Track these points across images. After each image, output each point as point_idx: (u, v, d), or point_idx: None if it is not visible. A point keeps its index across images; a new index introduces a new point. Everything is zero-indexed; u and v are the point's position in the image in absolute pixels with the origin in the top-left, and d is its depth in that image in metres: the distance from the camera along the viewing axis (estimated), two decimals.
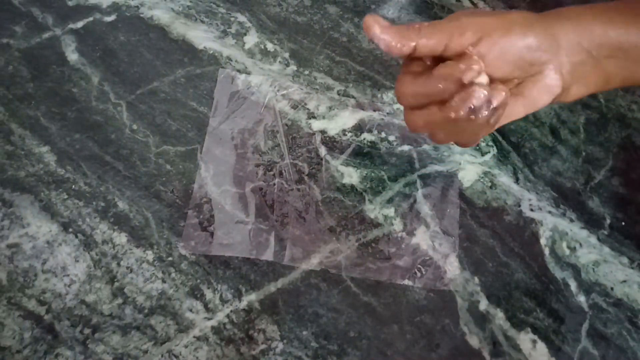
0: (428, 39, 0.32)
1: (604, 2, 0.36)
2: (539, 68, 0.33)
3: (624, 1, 0.36)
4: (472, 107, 0.31)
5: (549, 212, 0.52)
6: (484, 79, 0.32)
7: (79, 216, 0.49)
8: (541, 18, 0.34)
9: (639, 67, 0.35)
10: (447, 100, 0.32)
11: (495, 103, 0.31)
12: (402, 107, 0.55)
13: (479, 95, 0.31)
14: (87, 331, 0.45)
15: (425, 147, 0.54)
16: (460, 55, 0.32)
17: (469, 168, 0.53)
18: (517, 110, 0.35)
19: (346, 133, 0.54)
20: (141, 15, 0.58)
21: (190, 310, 0.46)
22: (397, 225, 0.50)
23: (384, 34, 0.32)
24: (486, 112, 0.32)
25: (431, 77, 0.32)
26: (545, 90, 0.34)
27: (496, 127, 0.35)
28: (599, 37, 0.34)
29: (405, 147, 0.54)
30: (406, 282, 0.48)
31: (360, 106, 0.55)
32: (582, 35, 0.34)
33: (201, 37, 0.58)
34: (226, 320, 0.46)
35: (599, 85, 0.36)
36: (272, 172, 0.52)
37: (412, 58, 0.34)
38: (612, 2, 0.36)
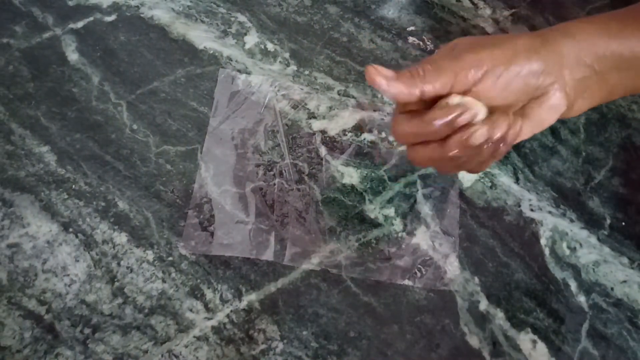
0: (433, 84, 0.32)
1: (604, 13, 0.35)
2: (544, 90, 0.33)
3: (623, 11, 0.35)
4: (473, 144, 0.31)
5: (549, 212, 0.52)
6: (481, 115, 0.32)
7: (79, 216, 0.49)
8: (544, 39, 0.34)
9: None
10: (446, 139, 0.32)
11: (495, 137, 0.32)
12: None
13: (477, 136, 0.31)
14: (87, 331, 0.45)
15: None
16: (465, 92, 0.32)
17: None
18: (523, 132, 0.34)
19: (346, 133, 0.54)
20: (141, 15, 0.58)
21: (191, 310, 0.46)
22: (397, 225, 0.50)
23: (390, 87, 0.32)
24: (487, 147, 0.32)
25: (425, 119, 0.32)
26: (551, 110, 0.34)
27: (505, 152, 0.35)
28: (601, 50, 0.33)
29: (406, 147, 0.54)
30: (406, 282, 0.48)
31: (360, 106, 0.55)
32: (584, 50, 0.33)
33: (201, 37, 0.58)
34: (226, 320, 0.46)
35: (602, 98, 0.36)
36: (272, 172, 0.52)
37: None
38: (612, 12, 0.36)
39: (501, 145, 0.33)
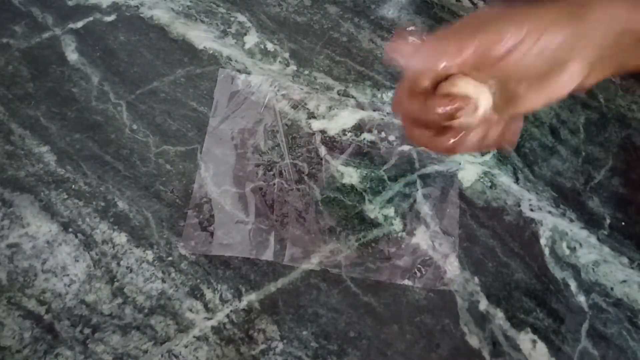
0: (455, 60, 0.32)
1: None
2: (565, 60, 0.33)
3: None
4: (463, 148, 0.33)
5: (549, 212, 0.52)
6: (483, 106, 0.32)
7: (79, 216, 0.49)
8: (576, 7, 0.33)
9: None
10: (442, 130, 0.33)
11: (487, 143, 0.34)
12: None
13: (471, 140, 0.33)
14: (87, 331, 0.45)
15: None
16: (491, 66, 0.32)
17: (469, 168, 0.53)
18: (538, 100, 0.35)
19: (346, 133, 0.54)
20: (141, 15, 0.58)
21: (190, 310, 0.46)
22: (397, 225, 0.50)
23: (415, 62, 0.32)
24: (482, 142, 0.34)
25: (427, 105, 0.33)
26: (569, 80, 0.34)
27: (497, 146, 0.36)
28: (625, 24, 0.33)
29: (405, 147, 0.54)
30: (406, 282, 0.48)
31: (360, 106, 0.55)
32: (610, 22, 0.33)
33: (201, 37, 0.58)
34: (226, 320, 0.46)
35: (612, 72, 0.36)
36: (272, 172, 0.52)
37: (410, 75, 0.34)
38: None
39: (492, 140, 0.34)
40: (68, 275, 0.47)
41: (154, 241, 0.48)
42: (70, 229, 0.48)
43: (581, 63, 0.33)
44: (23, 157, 0.51)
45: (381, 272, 0.48)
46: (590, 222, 0.52)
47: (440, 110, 0.32)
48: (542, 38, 0.32)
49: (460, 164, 0.53)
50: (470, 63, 0.32)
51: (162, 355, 0.44)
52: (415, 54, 0.32)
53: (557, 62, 0.33)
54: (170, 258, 0.48)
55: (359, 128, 0.54)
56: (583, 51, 0.33)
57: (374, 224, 0.50)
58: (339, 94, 0.56)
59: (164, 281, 0.47)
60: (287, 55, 0.58)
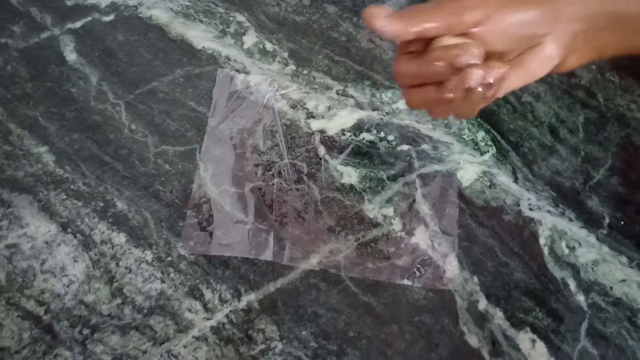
0: (434, 22, 0.32)
1: None
2: (539, 39, 0.34)
3: None
4: (468, 87, 0.32)
5: (548, 211, 0.52)
6: (478, 58, 0.32)
7: (78, 216, 0.49)
8: None
9: (635, 38, 0.35)
10: (443, 81, 0.33)
11: (490, 80, 0.32)
12: (401, 107, 0.56)
13: (474, 77, 0.31)
14: (86, 331, 0.45)
15: (425, 146, 0.54)
16: (462, 35, 0.33)
17: (468, 167, 0.53)
18: (515, 81, 0.35)
19: (345, 133, 0.54)
20: (140, 14, 0.58)
21: (190, 310, 0.46)
22: (397, 224, 0.50)
23: (389, 25, 0.32)
24: (482, 90, 0.32)
25: (427, 59, 0.33)
26: (545, 61, 0.35)
27: (495, 98, 0.35)
28: (599, 7, 0.34)
29: (405, 147, 0.54)
30: (405, 281, 0.48)
31: (359, 106, 0.55)
32: (579, 7, 0.34)
33: (200, 36, 0.58)
34: (225, 320, 0.46)
35: (594, 56, 0.36)
36: (271, 172, 0.52)
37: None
38: None
39: (492, 90, 0.33)
40: (67, 275, 0.46)
41: (153, 241, 0.48)
42: (69, 229, 0.48)
43: (556, 43, 0.34)
44: (22, 157, 0.51)
45: (380, 272, 0.48)
46: (590, 221, 0.52)
47: (440, 61, 0.32)
48: (510, 12, 0.32)
49: (459, 163, 0.53)
50: (445, 29, 0.32)
51: (161, 356, 0.44)
52: (391, 19, 0.32)
53: (531, 40, 0.34)
54: (169, 258, 0.48)
55: (358, 128, 0.54)
56: (556, 31, 0.34)
57: (373, 224, 0.50)
58: (338, 94, 0.56)
59: (163, 281, 0.47)
60: (286, 55, 0.58)
